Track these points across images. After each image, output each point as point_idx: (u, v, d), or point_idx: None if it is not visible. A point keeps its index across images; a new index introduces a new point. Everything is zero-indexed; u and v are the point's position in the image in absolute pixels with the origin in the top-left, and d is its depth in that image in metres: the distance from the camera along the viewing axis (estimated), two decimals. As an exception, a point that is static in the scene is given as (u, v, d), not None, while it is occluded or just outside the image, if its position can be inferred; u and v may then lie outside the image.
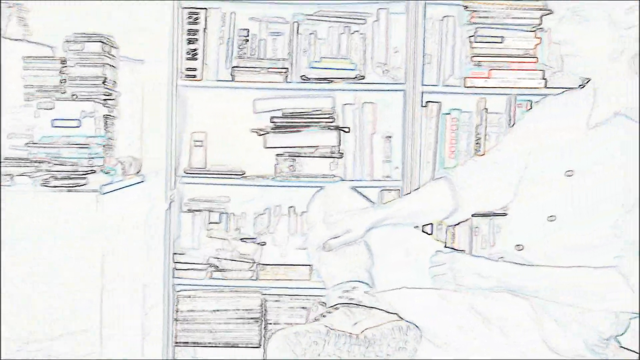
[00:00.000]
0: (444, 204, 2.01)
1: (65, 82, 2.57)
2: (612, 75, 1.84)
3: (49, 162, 2.48)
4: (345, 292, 1.86)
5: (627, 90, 1.84)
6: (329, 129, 2.88)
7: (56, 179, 2.44)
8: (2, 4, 2.68)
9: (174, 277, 2.86)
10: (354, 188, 2.11)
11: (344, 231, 1.92)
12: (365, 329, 1.75)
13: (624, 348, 1.87)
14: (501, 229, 2.01)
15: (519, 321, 1.79)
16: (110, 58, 2.65)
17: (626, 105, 1.82)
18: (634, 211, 1.74)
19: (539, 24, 2.76)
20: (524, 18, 2.78)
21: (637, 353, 1.89)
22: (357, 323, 1.77)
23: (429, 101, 2.85)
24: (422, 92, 2.82)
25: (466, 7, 2.80)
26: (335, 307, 1.83)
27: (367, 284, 1.89)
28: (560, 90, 2.06)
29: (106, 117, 2.63)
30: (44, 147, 2.49)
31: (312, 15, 2.88)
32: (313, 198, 2.03)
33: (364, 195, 2.11)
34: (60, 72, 2.56)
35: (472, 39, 2.82)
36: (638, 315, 1.81)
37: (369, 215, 1.94)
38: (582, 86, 1.95)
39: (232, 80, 2.87)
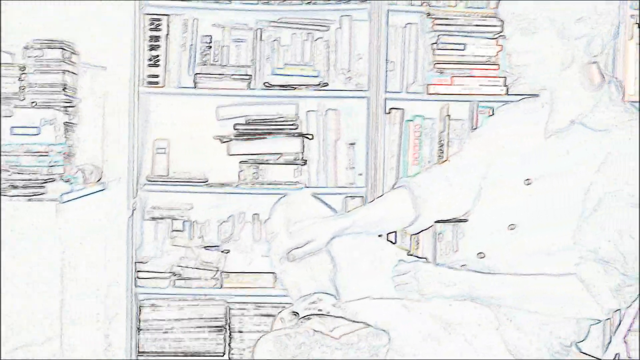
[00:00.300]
0: (405, 212, 2.02)
1: (24, 89, 2.53)
2: (565, 85, 1.86)
3: (7, 171, 2.44)
4: (312, 303, 1.85)
5: (581, 99, 1.86)
6: (292, 136, 2.87)
7: (15, 187, 2.40)
8: (2, 4, 2.65)
9: (136, 286, 2.83)
10: (315, 195, 2.10)
11: (307, 241, 1.91)
12: (343, 334, 1.75)
13: (585, 354, 1.89)
14: (464, 235, 2.02)
15: (482, 329, 1.79)
16: (70, 65, 2.61)
17: (581, 113, 1.84)
18: (592, 218, 1.76)
19: (500, 32, 2.79)
20: (486, 26, 2.81)
21: (597, 359, 1.91)
22: (334, 329, 1.76)
23: (393, 108, 2.86)
24: (386, 99, 2.83)
25: (428, 14, 2.82)
26: (307, 317, 1.82)
27: (333, 295, 1.88)
28: (520, 98, 2.07)
29: (66, 124, 2.59)
30: (3, 155, 2.45)
31: (275, 21, 2.87)
32: (274, 206, 2.01)
33: (326, 203, 2.11)
34: (19, 79, 2.52)
35: (435, 46, 2.84)
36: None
37: (331, 224, 1.94)
38: (539, 95, 1.97)
39: (195, 87, 2.85)
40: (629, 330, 1.94)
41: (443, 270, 1.86)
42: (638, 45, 2.79)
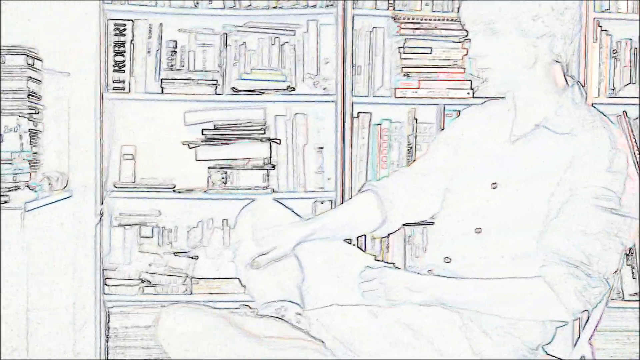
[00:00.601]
0: (372, 216, 2.01)
1: (-13, 96, 2.50)
2: (529, 88, 1.86)
3: (-30, 180, 2.40)
4: (277, 310, 1.84)
5: (545, 103, 1.86)
6: (260, 140, 2.86)
7: (-22, 196, 2.36)
8: (2, 4, 2.60)
9: (104, 293, 2.81)
10: (278, 200, 2.09)
11: (272, 247, 1.90)
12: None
13: (552, 356, 1.91)
14: (431, 240, 2.02)
15: (449, 334, 1.80)
16: (34, 71, 2.58)
17: (545, 117, 1.85)
18: (557, 220, 1.76)
19: (466, 35, 2.79)
20: (451, 29, 2.82)
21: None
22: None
23: (360, 112, 2.86)
24: (353, 103, 2.84)
25: (395, 18, 2.83)
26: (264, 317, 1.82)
27: (298, 304, 1.87)
28: (484, 100, 2.07)
29: (31, 131, 2.56)
30: (-35, 164, 2.41)
31: (241, 26, 2.86)
32: (240, 214, 2.00)
33: (291, 209, 2.10)
34: (-19, 86, 2.49)
35: (402, 50, 2.84)
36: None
37: (296, 230, 1.93)
38: (503, 97, 1.97)
39: (162, 92, 2.83)
40: (595, 331, 1.96)
41: (410, 276, 1.86)
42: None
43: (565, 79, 1.90)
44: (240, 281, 1.98)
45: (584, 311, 1.80)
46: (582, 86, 1.93)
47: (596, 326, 1.96)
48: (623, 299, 2.86)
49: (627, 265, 2.86)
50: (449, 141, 2.02)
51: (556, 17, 1.82)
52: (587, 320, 1.96)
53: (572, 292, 1.74)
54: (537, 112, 1.87)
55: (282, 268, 1.92)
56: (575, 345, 1.94)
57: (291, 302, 1.89)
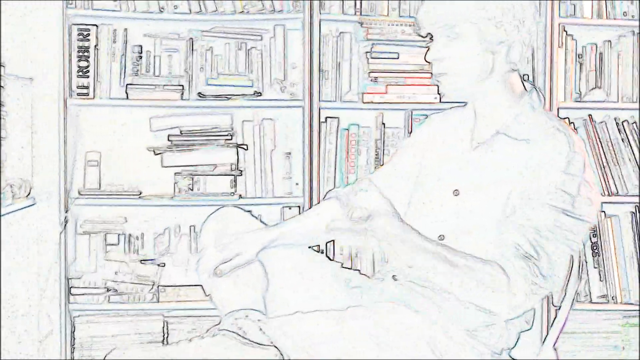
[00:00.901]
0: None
1: (-53, 102, 2.46)
2: (488, 95, 1.87)
3: None
4: (237, 319, 1.82)
5: (504, 109, 1.87)
6: (227, 146, 2.84)
7: (-63, 205, 2.32)
8: (1, 4, 2.56)
9: (70, 302, 2.77)
10: (242, 208, 2.07)
11: (235, 254, 1.88)
12: None
13: (515, 360, 1.91)
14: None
15: (412, 338, 1.79)
16: (-4, 77, 2.54)
17: (504, 123, 1.85)
18: (513, 217, 1.76)
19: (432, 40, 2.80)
20: (418, 34, 2.81)
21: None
22: None
23: (328, 117, 2.86)
24: (321, 108, 2.83)
25: (361, 23, 2.82)
26: (221, 331, 1.80)
27: (260, 311, 1.86)
28: (451, 106, 2.07)
29: (-7, 138, 2.52)
30: None
31: (208, 31, 2.84)
32: (206, 221, 1.98)
33: (256, 217, 2.09)
34: (-59, 91, 2.45)
35: (369, 55, 2.84)
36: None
37: (259, 237, 1.91)
38: (465, 104, 1.98)
39: (127, 98, 2.80)
40: (560, 335, 1.96)
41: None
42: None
43: (524, 85, 1.91)
44: (203, 290, 1.96)
45: (525, 311, 1.77)
46: (540, 92, 1.93)
47: (561, 330, 1.96)
48: (591, 302, 2.88)
49: (594, 267, 2.88)
50: (413, 149, 2.02)
51: (517, 25, 1.83)
52: (552, 324, 1.96)
53: (523, 287, 1.72)
54: (496, 119, 1.87)
55: (246, 276, 1.90)
56: (540, 349, 1.94)
57: (254, 310, 1.87)
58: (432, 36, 1.89)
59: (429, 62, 1.89)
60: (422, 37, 1.95)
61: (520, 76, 1.90)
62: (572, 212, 1.76)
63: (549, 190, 1.75)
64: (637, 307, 2.87)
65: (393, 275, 1.90)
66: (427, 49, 1.91)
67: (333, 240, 2.68)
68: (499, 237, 1.76)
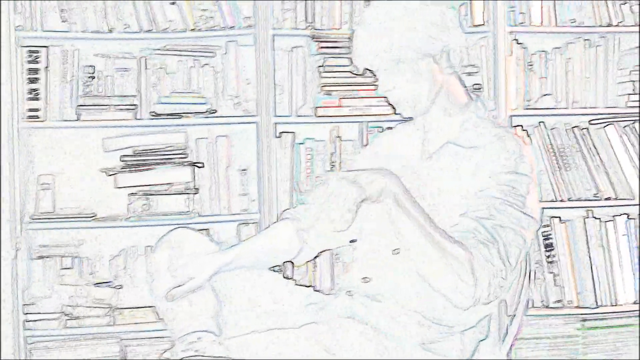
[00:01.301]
0: (290, 244, 2.00)
1: None
2: (436, 106, 1.89)
3: None
4: (191, 343, 1.80)
5: (451, 120, 1.90)
6: (182, 165, 2.82)
7: None
8: (1, 3, 2.50)
9: (25, 329, 2.71)
10: (191, 228, 2.05)
11: (188, 278, 1.86)
12: None
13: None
14: (351, 260, 2.01)
15: (366, 354, 1.79)
16: (-58, 101, 2.50)
17: (453, 132, 1.88)
18: (470, 209, 1.76)
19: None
20: (355, 74, 2.82)
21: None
22: None
23: (283, 131, 2.85)
24: (275, 123, 2.82)
25: (313, 37, 2.83)
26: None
27: (213, 332, 1.83)
28: (401, 119, 2.09)
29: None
30: None
31: (160, 49, 2.82)
32: (156, 245, 1.96)
33: (210, 238, 2.07)
34: None
35: (322, 69, 2.85)
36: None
37: (213, 260, 1.89)
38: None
39: (78, 119, 2.76)
40: (513, 344, 1.97)
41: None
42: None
43: (469, 94, 1.94)
44: (156, 313, 1.93)
45: (485, 302, 1.75)
46: (484, 102, 1.96)
47: (515, 337, 1.98)
48: (547, 307, 2.90)
49: (550, 273, 2.90)
50: (366, 164, 2.02)
51: (448, 31, 1.86)
52: (506, 332, 1.98)
53: (486, 274, 1.71)
54: (445, 129, 1.90)
55: (199, 300, 1.87)
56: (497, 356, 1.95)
57: (207, 331, 1.84)
58: (370, 71, 1.91)
59: (381, 95, 1.92)
60: (359, 75, 1.98)
61: (465, 85, 1.94)
62: (523, 210, 1.78)
63: (501, 188, 1.77)
64: (594, 310, 2.90)
65: (348, 291, 1.90)
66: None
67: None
68: (454, 227, 1.76)
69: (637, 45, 2.91)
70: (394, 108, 2.11)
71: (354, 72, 1.99)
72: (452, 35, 1.85)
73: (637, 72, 2.90)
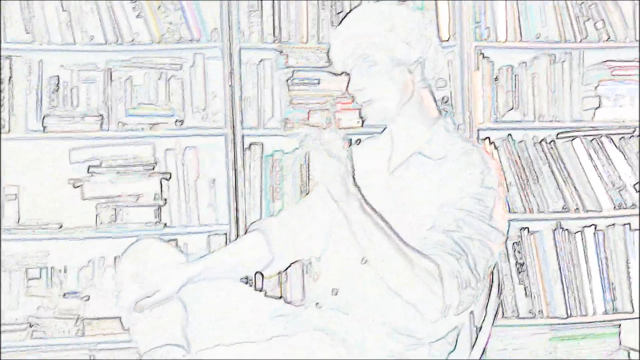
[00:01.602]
0: (260, 256, 2.00)
1: None
2: (405, 117, 1.90)
3: None
4: (161, 355, 1.79)
5: (420, 133, 1.90)
6: (150, 176, 2.81)
7: None
8: (1, 3, 2.46)
9: (-9, 340, 2.70)
10: (159, 239, 2.04)
11: (155, 290, 1.85)
12: None
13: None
14: (319, 272, 2.01)
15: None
16: None
17: (420, 144, 1.89)
18: (437, 222, 1.77)
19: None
20: (333, 73, 2.83)
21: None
22: None
23: (252, 143, 2.85)
24: (244, 135, 2.82)
25: (281, 51, 2.83)
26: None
27: (182, 346, 1.83)
28: (372, 130, 2.09)
29: None
30: None
31: (127, 61, 2.81)
32: (123, 255, 1.95)
33: (178, 249, 2.07)
34: None
35: (290, 81, 2.85)
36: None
37: (181, 271, 1.89)
38: (383, 130, 2.00)
39: (44, 130, 2.75)
40: (485, 350, 1.98)
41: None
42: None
43: (439, 109, 1.94)
44: (121, 324, 1.92)
45: (441, 316, 1.75)
46: (453, 116, 1.97)
47: (484, 349, 1.98)
48: (518, 317, 2.92)
49: (520, 284, 2.92)
50: None
51: (426, 42, 1.86)
52: (474, 344, 1.98)
53: (455, 285, 1.72)
54: (413, 142, 1.90)
55: (167, 312, 1.87)
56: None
57: (176, 345, 1.84)
58: (347, 73, 1.91)
59: (351, 93, 1.92)
60: (336, 74, 1.98)
61: (435, 100, 1.94)
62: (490, 223, 1.78)
63: (468, 201, 1.78)
64: (565, 320, 2.93)
65: (316, 303, 1.90)
66: (347, 74, 1.93)
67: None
68: (422, 241, 1.76)
69: (601, 60, 2.95)
70: (362, 120, 2.12)
71: (331, 72, 1.99)
72: (429, 46, 1.86)
73: (600, 87, 2.93)
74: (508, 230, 1.86)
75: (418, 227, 1.81)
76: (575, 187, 2.93)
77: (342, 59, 1.89)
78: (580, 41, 2.92)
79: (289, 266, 2.08)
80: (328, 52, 1.94)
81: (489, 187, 1.80)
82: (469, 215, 1.77)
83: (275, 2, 2.83)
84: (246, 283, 2.17)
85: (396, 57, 1.85)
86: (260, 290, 2.08)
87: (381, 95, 1.88)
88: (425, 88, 1.91)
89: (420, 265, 1.72)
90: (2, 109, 2.72)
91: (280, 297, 2.54)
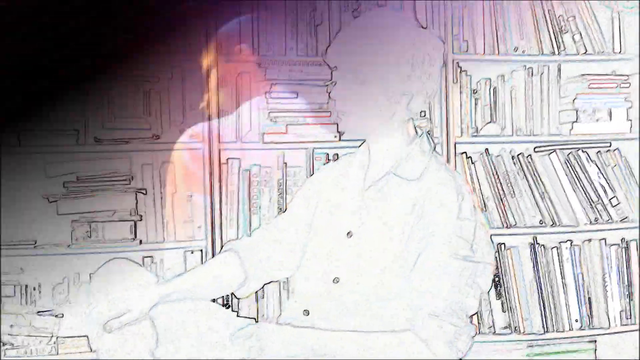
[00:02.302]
0: (234, 276, 1.99)
1: None
2: (383, 137, 1.89)
3: None
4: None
5: (396, 152, 1.90)
6: (126, 191, 2.78)
7: None
8: None
9: (-38, 359, 2.65)
10: (130, 259, 2.02)
11: (126, 310, 1.83)
12: None
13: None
14: (292, 293, 2.01)
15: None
16: None
17: (395, 164, 1.88)
18: (417, 273, 1.77)
19: (331, 79, 2.82)
20: (316, 73, 2.83)
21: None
22: None
23: (230, 158, 2.83)
24: (221, 150, 2.80)
25: (259, 64, 2.82)
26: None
27: (149, 365, 1.81)
28: (349, 144, 2.09)
29: None
30: None
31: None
32: (94, 275, 1.93)
33: (149, 269, 2.04)
34: None
35: (268, 95, 2.83)
36: None
37: (152, 292, 1.88)
38: (363, 142, 2.00)
39: (19, 145, 2.71)
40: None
41: (286, 330, 1.83)
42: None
43: (415, 129, 1.94)
44: (89, 344, 1.90)
45: None
46: (431, 136, 1.97)
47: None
48: (495, 333, 2.91)
49: (497, 300, 2.92)
50: (306, 197, 2.02)
51: (424, 78, 1.87)
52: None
53: (442, 343, 1.74)
54: (388, 161, 1.90)
55: (135, 333, 1.85)
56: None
57: (142, 364, 1.82)
58: (332, 73, 1.91)
59: (333, 99, 1.91)
60: (331, 67, 1.97)
61: (413, 122, 1.94)
62: (472, 258, 1.78)
63: (447, 241, 1.77)
64: (541, 336, 2.92)
65: (288, 323, 1.88)
66: (326, 87, 1.93)
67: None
68: (408, 294, 1.77)
69: (579, 74, 2.96)
70: (340, 133, 2.11)
71: (327, 62, 1.98)
72: (424, 83, 1.86)
73: (578, 100, 2.95)
74: (495, 249, 1.86)
75: (389, 247, 1.81)
76: (551, 202, 2.93)
77: (336, 61, 1.88)
78: (558, 54, 2.94)
79: (263, 287, 2.07)
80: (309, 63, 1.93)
81: (465, 217, 1.81)
82: (451, 259, 1.77)
83: (254, 15, 2.82)
84: (225, 305, 2.15)
85: (386, 86, 1.86)
86: (233, 310, 2.06)
87: (359, 111, 1.89)
88: (408, 114, 1.91)
89: (401, 339, 1.78)
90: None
91: (252, 318, 2.51)
